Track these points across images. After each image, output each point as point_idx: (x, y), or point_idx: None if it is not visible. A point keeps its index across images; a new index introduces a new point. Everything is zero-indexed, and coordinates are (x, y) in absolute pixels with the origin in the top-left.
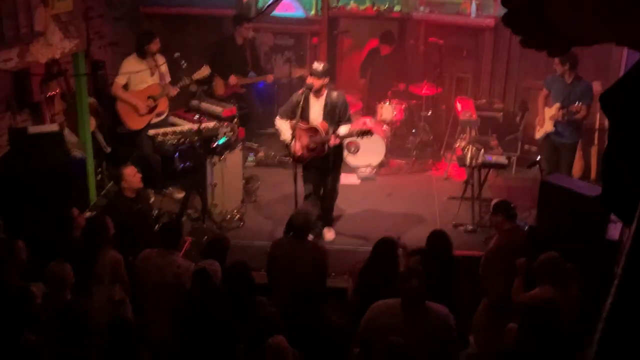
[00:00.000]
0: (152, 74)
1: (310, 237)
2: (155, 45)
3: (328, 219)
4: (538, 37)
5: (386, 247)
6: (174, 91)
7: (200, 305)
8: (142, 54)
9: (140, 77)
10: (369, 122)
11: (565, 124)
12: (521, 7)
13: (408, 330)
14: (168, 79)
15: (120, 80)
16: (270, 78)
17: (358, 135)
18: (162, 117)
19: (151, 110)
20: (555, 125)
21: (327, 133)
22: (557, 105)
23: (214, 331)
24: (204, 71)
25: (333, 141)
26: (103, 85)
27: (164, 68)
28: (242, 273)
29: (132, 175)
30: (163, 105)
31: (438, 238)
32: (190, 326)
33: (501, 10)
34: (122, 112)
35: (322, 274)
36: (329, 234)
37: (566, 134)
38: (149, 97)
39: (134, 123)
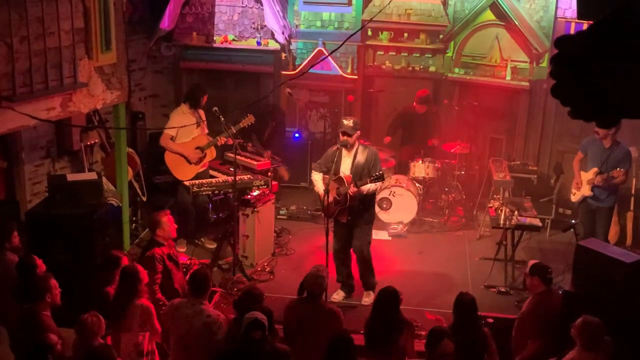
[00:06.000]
0: (198, 126)
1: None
2: (205, 98)
3: (367, 283)
4: (587, 108)
5: (388, 297)
6: (221, 140)
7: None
8: (195, 105)
9: (187, 129)
10: (401, 179)
11: (602, 188)
12: (570, 79)
13: None
14: (206, 130)
15: (170, 132)
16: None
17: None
18: (206, 167)
19: (200, 160)
20: (592, 190)
21: (349, 184)
22: (595, 169)
23: None
24: (249, 120)
25: (351, 190)
26: (142, 136)
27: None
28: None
29: (169, 223)
30: (211, 155)
31: (462, 302)
32: None
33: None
34: (171, 163)
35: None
36: (366, 299)
37: (603, 197)
38: (196, 148)
39: (183, 174)
